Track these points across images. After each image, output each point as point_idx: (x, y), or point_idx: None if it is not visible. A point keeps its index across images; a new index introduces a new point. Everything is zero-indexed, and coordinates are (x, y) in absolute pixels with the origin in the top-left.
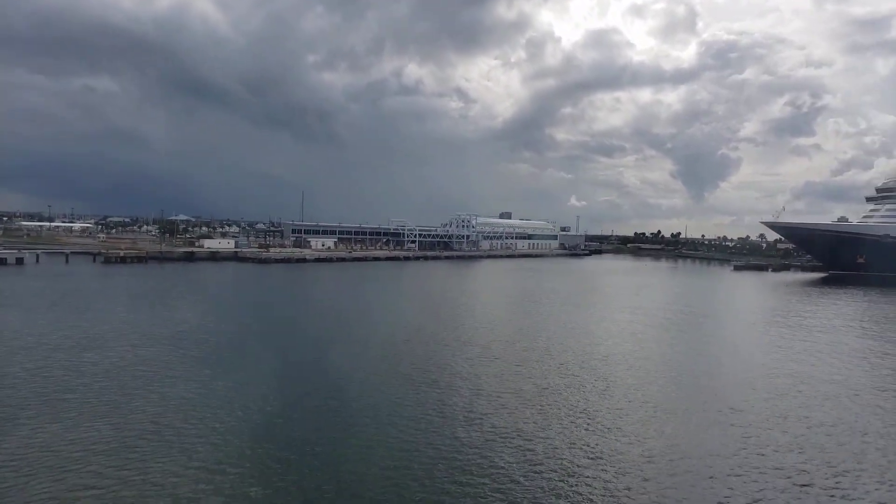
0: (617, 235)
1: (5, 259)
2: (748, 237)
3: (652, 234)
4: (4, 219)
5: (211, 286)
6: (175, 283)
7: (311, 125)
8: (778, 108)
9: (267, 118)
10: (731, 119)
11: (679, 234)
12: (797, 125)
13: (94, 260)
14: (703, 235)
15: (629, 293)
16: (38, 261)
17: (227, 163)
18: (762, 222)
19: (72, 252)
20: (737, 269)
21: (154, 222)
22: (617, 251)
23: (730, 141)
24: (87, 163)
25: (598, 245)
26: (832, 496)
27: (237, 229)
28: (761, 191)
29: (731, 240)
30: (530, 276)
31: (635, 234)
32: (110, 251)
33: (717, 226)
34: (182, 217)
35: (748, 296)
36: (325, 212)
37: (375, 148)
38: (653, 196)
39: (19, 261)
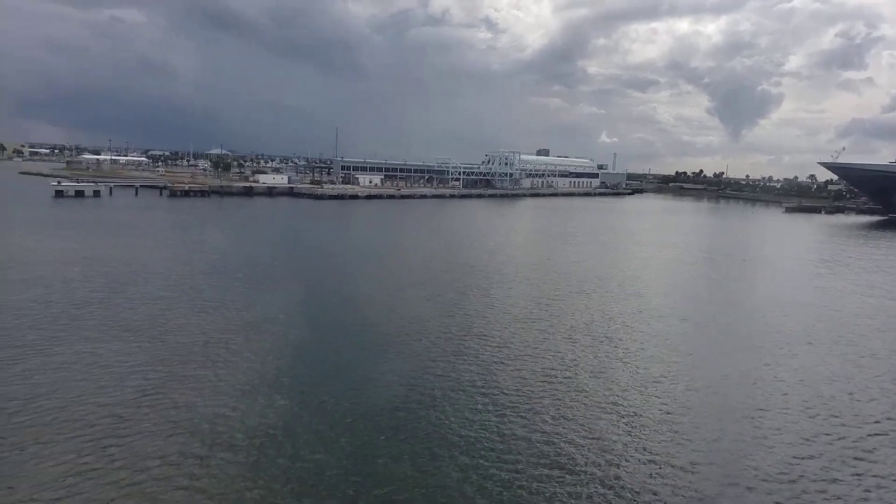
0: (654, 174)
1: (83, 192)
2: (796, 178)
3: (693, 173)
4: (68, 152)
5: (279, 220)
6: (246, 215)
7: (336, 57)
8: (828, 39)
9: (292, 50)
10: (775, 52)
11: (722, 173)
12: (848, 57)
13: (161, 193)
14: (747, 176)
15: (694, 235)
16: (111, 193)
17: (254, 96)
18: (820, 163)
19: (141, 185)
20: (788, 210)
21: (194, 156)
22: (658, 190)
23: (772, 75)
24: (116, 95)
25: (639, 184)
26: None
27: (277, 164)
28: (803, 128)
29: (777, 180)
30: (581, 216)
31: (676, 173)
32: (176, 185)
33: (755, 165)
34: (217, 151)
35: (809, 240)
36: (356, 147)
37: (400, 81)
38: (687, 133)
39: (96, 193)
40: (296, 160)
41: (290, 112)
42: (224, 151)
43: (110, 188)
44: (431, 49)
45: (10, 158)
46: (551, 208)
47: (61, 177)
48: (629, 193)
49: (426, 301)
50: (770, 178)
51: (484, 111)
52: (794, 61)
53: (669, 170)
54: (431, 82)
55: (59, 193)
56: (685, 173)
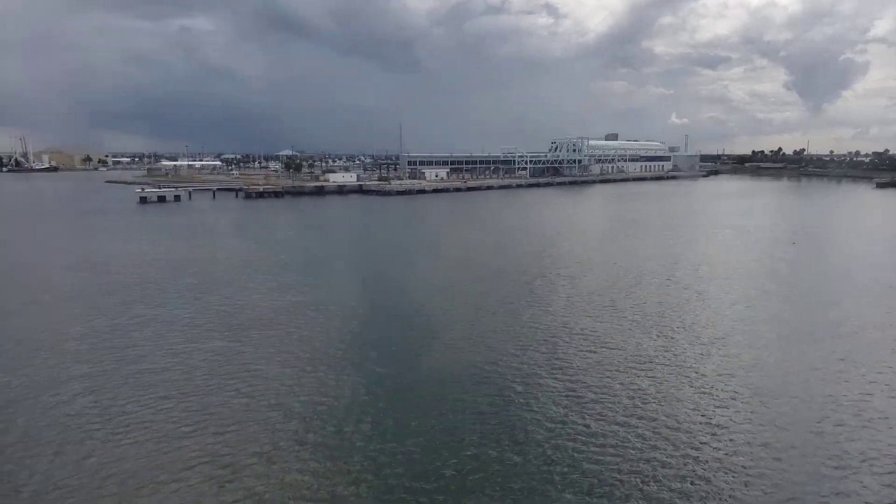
0: (728, 154)
1: (164, 197)
2: (887, 151)
3: (771, 151)
4: (147, 159)
5: (353, 217)
6: (321, 214)
7: (397, 53)
8: None
9: (354, 49)
10: (860, 17)
11: (802, 150)
12: None
13: (237, 195)
14: (831, 151)
15: (779, 216)
16: (190, 197)
17: (319, 96)
18: None
19: (218, 189)
20: (879, 186)
21: (264, 158)
22: (734, 171)
23: (856, 43)
24: (189, 101)
25: (714, 165)
26: None
27: (344, 163)
28: (893, 98)
29: (866, 154)
30: (656, 200)
31: (753, 152)
32: (251, 187)
33: (838, 140)
34: (286, 152)
35: None
36: (419, 141)
37: (461, 73)
38: (763, 110)
39: (177, 198)
40: (361, 158)
41: (353, 111)
42: (293, 153)
43: (189, 192)
44: (491, 39)
45: (96, 168)
46: (623, 194)
47: (143, 184)
48: (704, 175)
49: (508, 289)
50: (857, 153)
51: (547, 99)
52: (882, 26)
53: (744, 149)
54: (492, 73)
55: (143, 199)
56: (762, 152)
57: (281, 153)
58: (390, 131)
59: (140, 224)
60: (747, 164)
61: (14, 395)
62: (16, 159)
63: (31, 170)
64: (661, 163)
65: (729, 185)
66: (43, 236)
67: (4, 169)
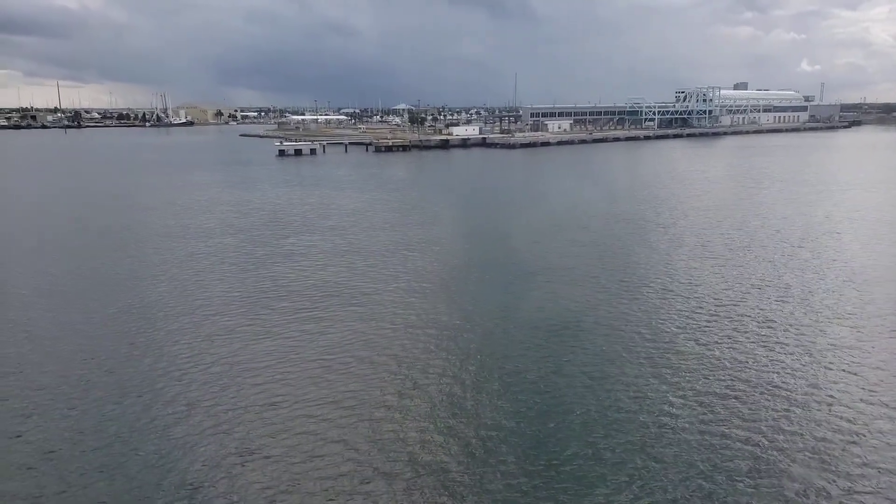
0: (870, 104)
1: (301, 150)
2: None
3: None
4: (272, 114)
5: (488, 169)
6: (452, 166)
7: (509, 1)
8: None
9: None
10: None
11: None
12: None
13: (367, 149)
14: None
15: None
16: (324, 151)
17: (430, 48)
18: None
19: (349, 143)
20: None
21: (383, 112)
22: (879, 121)
23: None
24: (304, 56)
25: (855, 115)
26: None
27: (461, 116)
28: None
29: None
30: (798, 154)
31: None
32: (380, 141)
33: None
34: (403, 106)
35: None
36: (533, 93)
37: (576, 21)
38: None
39: (312, 151)
40: (476, 110)
41: (464, 62)
42: (408, 106)
43: (323, 146)
44: None
45: (227, 122)
46: (759, 146)
47: (275, 137)
48: (845, 126)
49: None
50: None
51: (668, 46)
52: None
53: (887, 97)
54: (610, 20)
55: (282, 153)
56: None
57: (397, 107)
58: (503, 83)
59: (293, 175)
60: (895, 114)
61: None
62: (157, 115)
63: (171, 124)
64: (796, 113)
65: (879, 137)
66: (213, 183)
67: (147, 124)
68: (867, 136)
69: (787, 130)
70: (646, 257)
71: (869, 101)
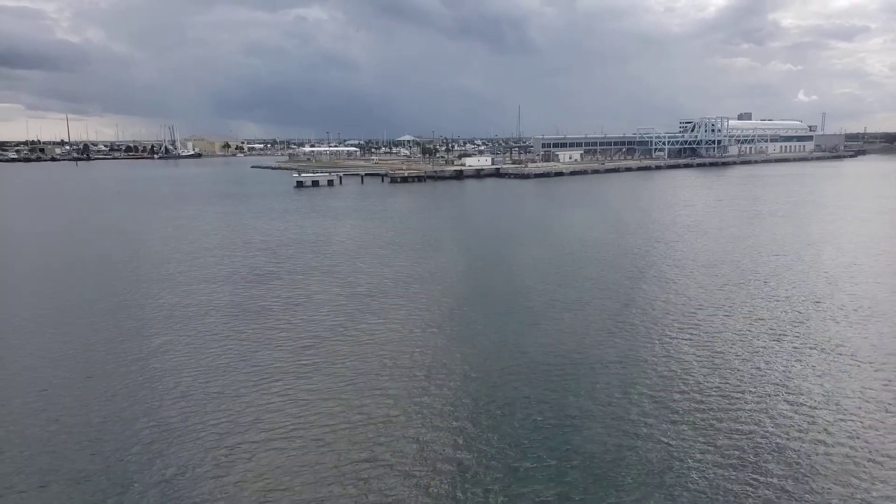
0: (872, 133)
1: (318, 181)
2: None
3: None
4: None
5: (502, 200)
6: (468, 197)
7: (507, 34)
8: None
9: (464, 31)
10: None
11: None
12: None
13: (382, 180)
14: None
15: None
16: (341, 182)
17: (430, 80)
18: None
19: (366, 174)
20: None
21: (386, 144)
22: (884, 151)
23: None
24: (304, 89)
25: (859, 144)
26: None
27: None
28: None
29: None
30: (813, 183)
31: None
32: (396, 171)
33: None
34: (407, 137)
35: None
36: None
37: (574, 52)
38: None
39: (330, 182)
40: (478, 142)
41: (464, 93)
42: (413, 137)
43: (340, 177)
44: (605, 16)
45: (234, 154)
46: (772, 175)
47: (288, 168)
48: (851, 156)
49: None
50: None
51: (667, 77)
52: None
53: (887, 127)
54: (606, 52)
55: (300, 184)
56: None
57: (402, 138)
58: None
59: (311, 205)
60: None
61: None
62: (165, 147)
63: (179, 156)
64: (801, 143)
65: (886, 166)
66: (234, 216)
67: (156, 156)
68: (876, 165)
69: (794, 160)
70: (684, 297)
71: (870, 130)
